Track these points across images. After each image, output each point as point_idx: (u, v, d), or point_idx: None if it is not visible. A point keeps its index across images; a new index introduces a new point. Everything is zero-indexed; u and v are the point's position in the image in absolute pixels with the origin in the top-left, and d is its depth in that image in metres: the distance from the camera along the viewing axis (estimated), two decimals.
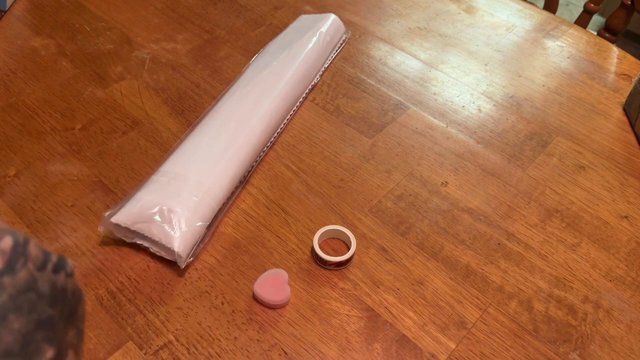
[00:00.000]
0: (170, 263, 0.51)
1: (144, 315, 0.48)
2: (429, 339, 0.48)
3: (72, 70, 0.70)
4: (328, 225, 0.54)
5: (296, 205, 0.57)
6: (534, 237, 0.56)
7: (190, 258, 0.50)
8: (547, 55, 0.79)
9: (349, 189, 0.59)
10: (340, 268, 0.52)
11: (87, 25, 0.77)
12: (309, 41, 0.70)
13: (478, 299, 0.51)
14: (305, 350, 0.47)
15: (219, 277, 0.51)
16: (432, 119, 0.68)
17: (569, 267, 0.54)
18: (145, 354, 0.45)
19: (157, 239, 0.49)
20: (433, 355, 0.47)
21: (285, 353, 0.46)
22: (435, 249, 0.54)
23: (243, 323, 0.48)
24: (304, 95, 0.68)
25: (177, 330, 0.47)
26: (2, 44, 0.72)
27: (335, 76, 0.72)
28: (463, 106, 0.70)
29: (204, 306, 0.49)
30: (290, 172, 0.60)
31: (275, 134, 0.63)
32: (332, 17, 0.75)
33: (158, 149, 0.61)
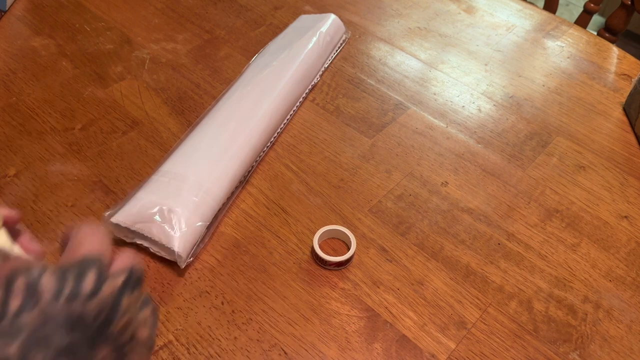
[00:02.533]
0: (170, 263, 0.51)
1: None
2: (429, 339, 0.48)
3: (72, 70, 0.70)
4: (328, 225, 0.54)
5: (296, 205, 0.57)
6: (534, 237, 0.56)
7: (190, 258, 0.50)
8: (547, 55, 0.79)
9: (349, 189, 0.59)
10: (340, 268, 0.52)
11: (87, 25, 0.77)
12: (309, 41, 0.70)
13: (478, 299, 0.51)
14: (305, 350, 0.47)
15: (219, 277, 0.51)
16: (432, 119, 0.68)
17: (569, 267, 0.54)
18: None
19: (157, 239, 0.49)
20: (433, 355, 0.47)
21: (285, 353, 0.46)
22: (435, 249, 0.54)
23: (243, 323, 0.48)
24: (304, 95, 0.68)
25: (177, 330, 0.47)
26: (2, 44, 0.72)
27: (335, 76, 0.72)
28: (463, 106, 0.70)
29: (204, 306, 0.49)
30: (290, 172, 0.60)
31: (275, 134, 0.63)
32: (332, 17, 0.75)
33: (158, 149, 0.61)
